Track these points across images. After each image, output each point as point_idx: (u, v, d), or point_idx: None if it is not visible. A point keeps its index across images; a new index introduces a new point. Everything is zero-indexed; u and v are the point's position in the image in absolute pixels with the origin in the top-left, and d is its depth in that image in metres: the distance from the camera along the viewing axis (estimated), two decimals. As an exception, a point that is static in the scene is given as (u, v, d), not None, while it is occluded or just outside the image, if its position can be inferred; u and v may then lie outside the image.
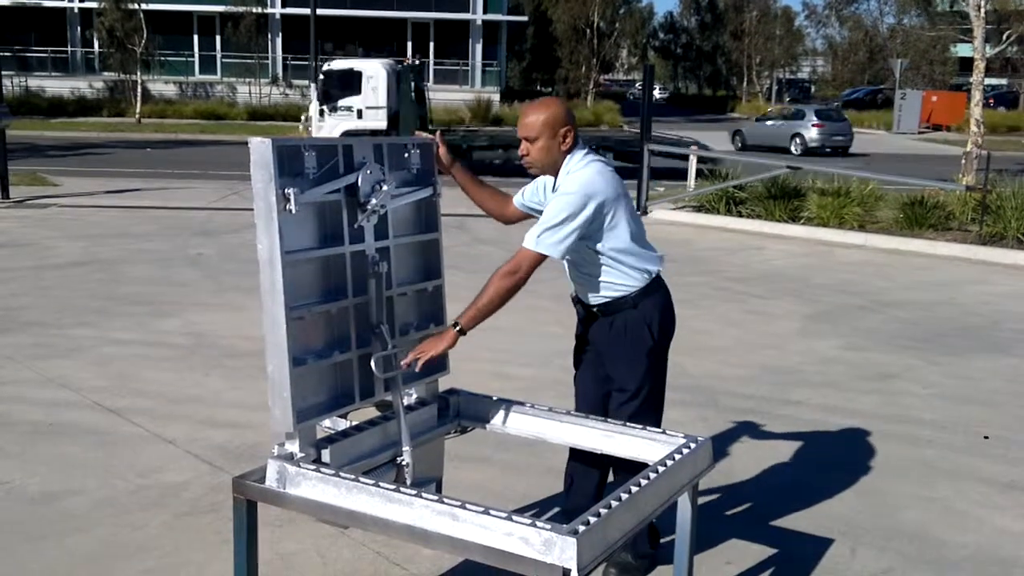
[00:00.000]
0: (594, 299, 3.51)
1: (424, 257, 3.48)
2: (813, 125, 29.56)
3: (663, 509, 2.92)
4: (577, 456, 3.64)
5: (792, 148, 29.42)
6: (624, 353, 3.51)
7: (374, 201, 3.08)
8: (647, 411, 3.54)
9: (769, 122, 31.94)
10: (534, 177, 3.64)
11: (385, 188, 3.10)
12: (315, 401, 3.00)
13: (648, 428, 3.29)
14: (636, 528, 2.74)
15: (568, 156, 3.43)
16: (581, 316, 3.65)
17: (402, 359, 3.18)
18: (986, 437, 4.96)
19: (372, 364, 3.12)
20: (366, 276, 3.13)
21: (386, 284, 3.18)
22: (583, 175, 3.35)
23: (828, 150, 29.17)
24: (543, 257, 3.30)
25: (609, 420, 3.40)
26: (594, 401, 3.63)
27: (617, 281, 3.45)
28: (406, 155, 3.36)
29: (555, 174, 3.47)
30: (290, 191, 2.78)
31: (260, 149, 2.77)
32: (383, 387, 3.24)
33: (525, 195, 3.68)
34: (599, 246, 3.39)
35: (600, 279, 3.47)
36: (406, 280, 3.38)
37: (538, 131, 3.38)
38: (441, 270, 3.52)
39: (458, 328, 3.24)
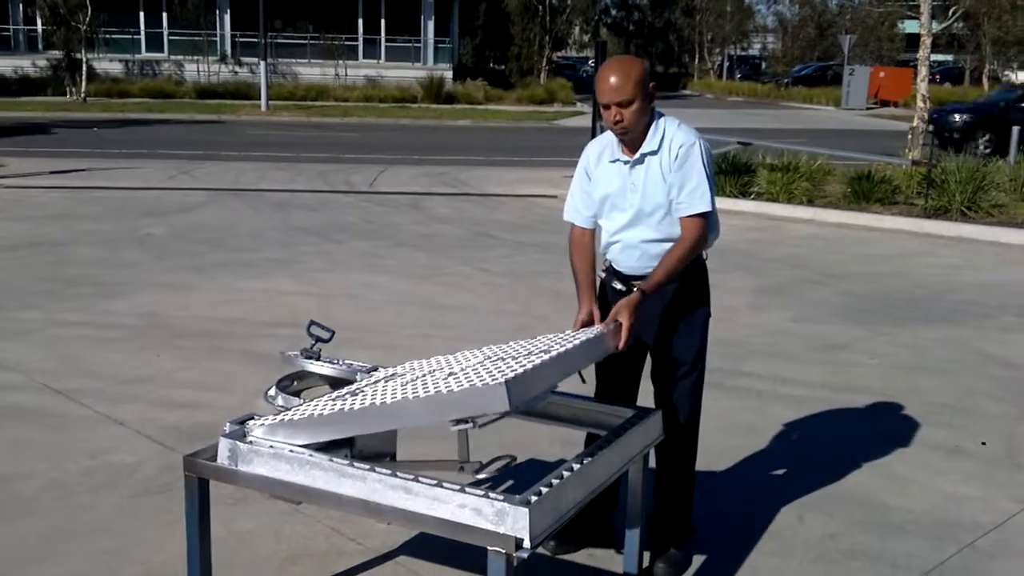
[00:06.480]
0: (652, 268, 3.27)
1: None
2: None
3: (614, 479, 2.97)
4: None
5: None
6: (684, 324, 3.39)
7: None
8: (699, 387, 3.47)
9: None
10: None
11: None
12: None
13: (599, 400, 3.32)
14: (588, 498, 2.78)
15: (656, 115, 3.23)
16: (621, 292, 3.39)
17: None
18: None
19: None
20: None
21: None
22: (688, 130, 3.22)
23: None
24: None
25: (592, 399, 3.38)
26: (627, 381, 3.52)
27: None
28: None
29: (640, 139, 3.22)
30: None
31: (494, 402, 2.53)
32: None
33: (582, 210, 3.42)
34: None
35: (669, 244, 3.26)
36: None
37: (632, 92, 3.10)
38: None
39: (642, 292, 3.14)
